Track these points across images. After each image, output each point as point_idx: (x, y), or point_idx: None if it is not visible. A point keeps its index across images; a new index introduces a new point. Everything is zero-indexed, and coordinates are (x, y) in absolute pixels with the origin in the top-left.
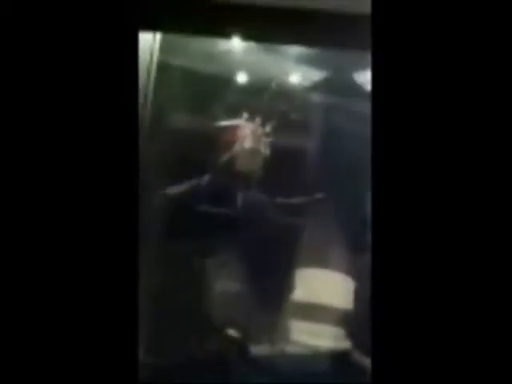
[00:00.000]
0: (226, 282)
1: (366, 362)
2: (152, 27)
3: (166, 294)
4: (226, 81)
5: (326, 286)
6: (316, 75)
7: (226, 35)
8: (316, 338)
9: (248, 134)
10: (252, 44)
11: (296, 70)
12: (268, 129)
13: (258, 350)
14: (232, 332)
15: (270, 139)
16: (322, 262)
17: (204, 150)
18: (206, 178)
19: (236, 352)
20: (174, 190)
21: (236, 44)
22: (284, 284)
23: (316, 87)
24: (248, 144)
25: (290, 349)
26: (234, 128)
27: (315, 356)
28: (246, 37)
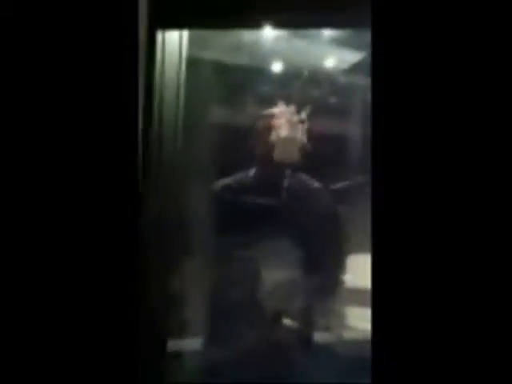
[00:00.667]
0: (278, 272)
1: None
2: (179, 25)
3: (220, 286)
4: (260, 71)
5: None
6: (351, 57)
7: (256, 25)
8: (369, 322)
9: (283, 123)
10: (283, 31)
11: (330, 53)
12: (303, 115)
13: (315, 337)
14: (288, 321)
15: (306, 126)
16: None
17: (241, 142)
18: (248, 170)
19: (293, 341)
20: (218, 184)
21: (267, 33)
22: (336, 270)
23: (352, 69)
24: (284, 132)
25: (346, 335)
26: (270, 117)
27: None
28: (276, 25)
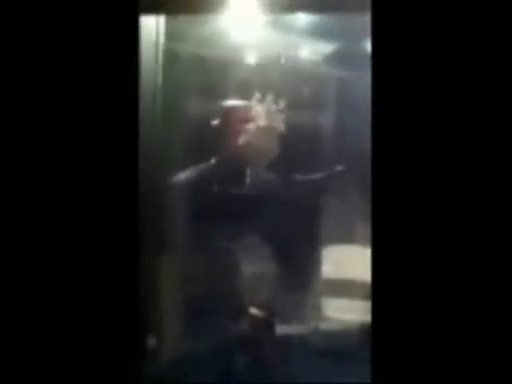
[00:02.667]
0: (253, 264)
1: None
2: (154, 10)
3: (191, 278)
4: (235, 62)
5: (353, 260)
6: (326, 48)
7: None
8: (347, 313)
9: (261, 113)
10: (257, 21)
11: (305, 43)
12: (281, 105)
13: (291, 328)
14: (263, 312)
15: (283, 116)
16: (347, 237)
17: (219, 133)
18: (222, 161)
19: (268, 332)
20: (189, 174)
21: (241, 22)
22: (312, 262)
23: (327, 60)
24: (262, 122)
25: (322, 325)
26: (247, 108)
27: (348, 331)
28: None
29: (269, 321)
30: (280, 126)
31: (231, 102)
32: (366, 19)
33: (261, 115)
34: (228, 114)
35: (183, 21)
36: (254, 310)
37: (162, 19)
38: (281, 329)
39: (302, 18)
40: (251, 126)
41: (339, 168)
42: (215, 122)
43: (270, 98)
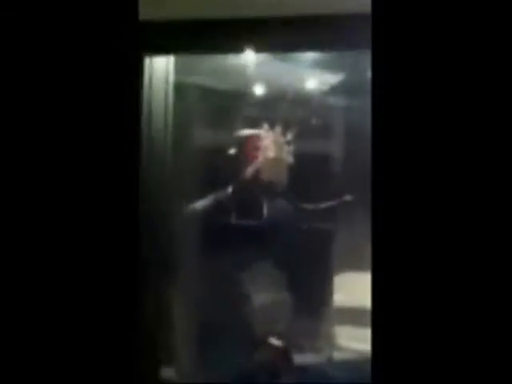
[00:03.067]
0: (264, 293)
1: None
2: (164, 50)
3: (204, 308)
4: (244, 94)
5: (365, 288)
6: (332, 79)
7: (239, 50)
8: (361, 341)
9: (270, 144)
10: (265, 55)
11: (312, 75)
12: (289, 137)
13: (305, 358)
14: (277, 342)
15: (292, 147)
16: (358, 264)
17: (228, 164)
18: (233, 191)
19: (283, 362)
20: (201, 204)
21: (249, 57)
22: (324, 290)
23: (333, 91)
24: (271, 153)
25: (336, 355)
26: (256, 139)
27: (362, 360)
28: (259, 49)
29: (286, 350)
30: (288, 157)
31: (242, 132)
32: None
33: (269, 147)
34: (239, 144)
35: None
36: (272, 340)
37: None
38: (296, 358)
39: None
40: (260, 158)
41: (348, 196)
42: (226, 153)
43: (278, 129)
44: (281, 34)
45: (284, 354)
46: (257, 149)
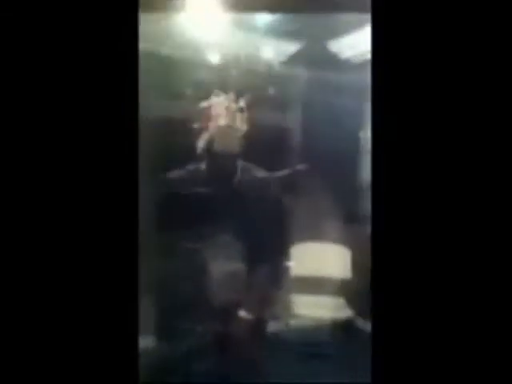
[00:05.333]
0: (223, 264)
1: (369, 327)
2: None
3: (170, 279)
4: (197, 61)
5: (321, 257)
6: (288, 47)
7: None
8: (318, 309)
9: (222, 112)
10: (220, 20)
11: (267, 43)
12: (242, 104)
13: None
14: (237, 311)
15: (245, 114)
16: (315, 234)
17: (181, 134)
18: (188, 163)
19: (244, 332)
20: (159, 177)
21: (203, 22)
22: (280, 260)
23: (289, 59)
24: (222, 121)
25: (294, 322)
26: (208, 108)
27: (319, 327)
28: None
29: (256, 320)
30: (241, 124)
31: (195, 101)
32: (328, 20)
33: (221, 114)
34: (193, 113)
35: (144, 19)
36: (242, 312)
37: None
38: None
39: (265, 18)
40: (212, 126)
41: (305, 166)
42: (180, 123)
43: (230, 96)
44: None
45: (246, 324)
46: (209, 118)
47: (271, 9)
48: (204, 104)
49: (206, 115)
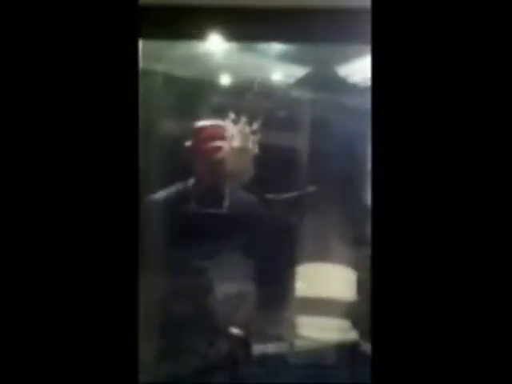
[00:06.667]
0: (228, 284)
1: None
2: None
3: (168, 299)
4: (210, 83)
5: (327, 279)
6: (298, 71)
7: (206, 37)
8: (323, 331)
9: (235, 134)
10: (232, 45)
11: (277, 67)
12: (254, 127)
13: (267, 347)
14: (239, 332)
15: (257, 137)
16: (321, 255)
17: (194, 153)
18: (198, 181)
19: (245, 352)
20: (166, 194)
21: (216, 46)
22: (286, 281)
23: (299, 83)
24: (236, 143)
25: (298, 344)
26: (221, 129)
27: (323, 349)
28: (226, 37)
29: (246, 340)
30: (253, 147)
31: (205, 122)
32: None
33: (235, 137)
34: (202, 133)
35: (160, 42)
36: (232, 330)
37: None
38: (257, 348)
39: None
40: (225, 147)
41: (313, 188)
42: (190, 142)
43: (243, 119)
44: (250, 23)
45: (244, 343)
46: (222, 139)
47: (280, 39)
48: (218, 124)
49: (219, 137)
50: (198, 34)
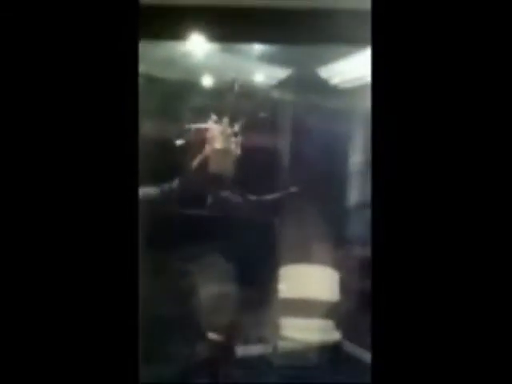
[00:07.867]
0: (211, 285)
1: (357, 351)
2: None
3: (147, 300)
4: (191, 84)
5: (310, 280)
6: (280, 73)
7: (187, 37)
8: (306, 332)
9: (217, 135)
10: (213, 46)
11: (259, 69)
12: (236, 128)
13: (250, 349)
14: (222, 334)
15: (239, 139)
16: (303, 256)
17: (175, 155)
18: (179, 182)
19: (227, 354)
20: (148, 195)
21: (197, 47)
22: (269, 282)
23: (281, 84)
24: (218, 144)
25: (281, 345)
26: (203, 130)
27: (307, 350)
28: (208, 38)
29: (229, 342)
30: (235, 148)
31: (189, 124)
32: (318, 48)
33: (217, 138)
34: (186, 135)
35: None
36: (215, 332)
37: None
38: (240, 350)
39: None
40: (207, 149)
41: (294, 189)
42: (173, 144)
43: (225, 121)
44: (232, 24)
45: (226, 345)
46: (204, 140)
47: (263, 39)
48: (200, 126)
49: (201, 138)
50: (179, 34)
